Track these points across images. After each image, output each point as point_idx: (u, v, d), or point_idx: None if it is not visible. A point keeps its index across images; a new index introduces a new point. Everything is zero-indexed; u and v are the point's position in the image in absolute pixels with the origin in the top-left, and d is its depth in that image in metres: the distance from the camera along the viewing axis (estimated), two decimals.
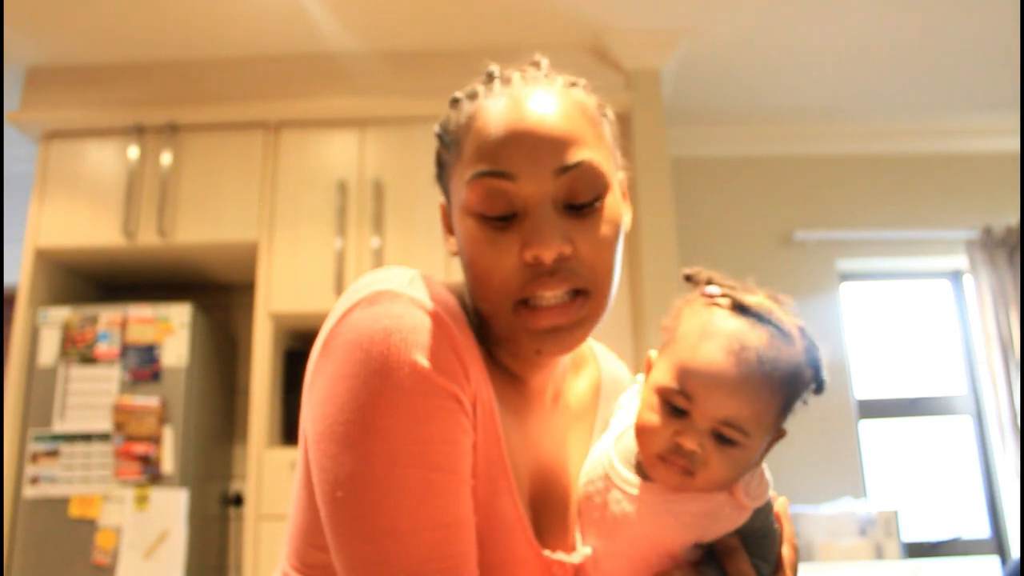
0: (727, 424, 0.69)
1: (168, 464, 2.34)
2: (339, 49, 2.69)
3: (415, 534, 0.61)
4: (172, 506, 2.31)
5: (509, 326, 0.71)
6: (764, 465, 0.76)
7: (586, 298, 0.70)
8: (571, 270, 0.69)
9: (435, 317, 0.66)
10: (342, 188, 2.60)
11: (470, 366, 0.67)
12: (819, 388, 0.74)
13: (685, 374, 0.70)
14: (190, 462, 2.40)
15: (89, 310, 2.47)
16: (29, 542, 2.28)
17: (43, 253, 2.60)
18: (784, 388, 0.70)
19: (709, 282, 0.77)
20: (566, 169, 0.69)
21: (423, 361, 0.63)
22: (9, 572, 2.26)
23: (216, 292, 2.95)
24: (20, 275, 2.56)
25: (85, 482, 2.33)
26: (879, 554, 2.52)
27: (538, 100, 0.72)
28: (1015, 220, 3.12)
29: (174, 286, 2.93)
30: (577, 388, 0.88)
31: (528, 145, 0.69)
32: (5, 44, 2.62)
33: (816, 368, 0.73)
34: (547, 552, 0.74)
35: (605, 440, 0.81)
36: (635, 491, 0.73)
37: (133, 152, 2.63)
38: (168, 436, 2.36)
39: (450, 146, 0.75)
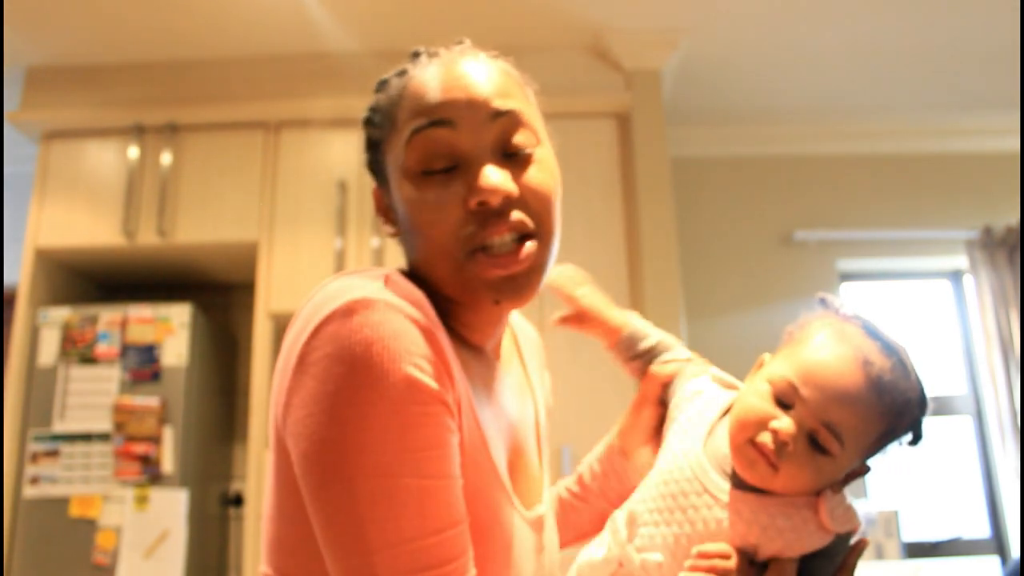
0: (828, 427, 0.70)
1: (168, 464, 2.34)
2: (339, 49, 2.69)
3: (413, 542, 0.61)
4: (172, 506, 2.31)
5: (463, 279, 0.71)
6: (850, 498, 0.76)
7: (534, 242, 0.71)
8: (518, 214, 0.70)
9: (415, 320, 0.64)
10: (342, 188, 2.60)
11: (452, 364, 0.66)
12: (916, 439, 0.75)
13: (805, 370, 0.72)
14: (190, 462, 2.40)
15: (89, 310, 2.47)
16: (29, 542, 2.28)
17: (43, 253, 2.60)
18: (889, 416, 0.71)
19: (841, 307, 0.79)
20: (501, 114, 0.72)
21: (409, 369, 0.62)
22: (9, 572, 2.26)
23: (216, 292, 2.95)
24: (20, 275, 2.56)
25: (85, 482, 2.33)
26: (879, 554, 2.52)
27: (469, 61, 0.75)
28: (1015, 220, 3.12)
29: (174, 286, 2.93)
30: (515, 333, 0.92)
31: (463, 94, 0.71)
32: (5, 44, 2.62)
33: (921, 413, 0.74)
34: (528, 512, 0.76)
35: (690, 438, 0.79)
36: (726, 498, 0.73)
37: (133, 152, 2.63)
38: (168, 436, 2.36)
39: (382, 123, 0.76)
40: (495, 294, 0.71)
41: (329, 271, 2.51)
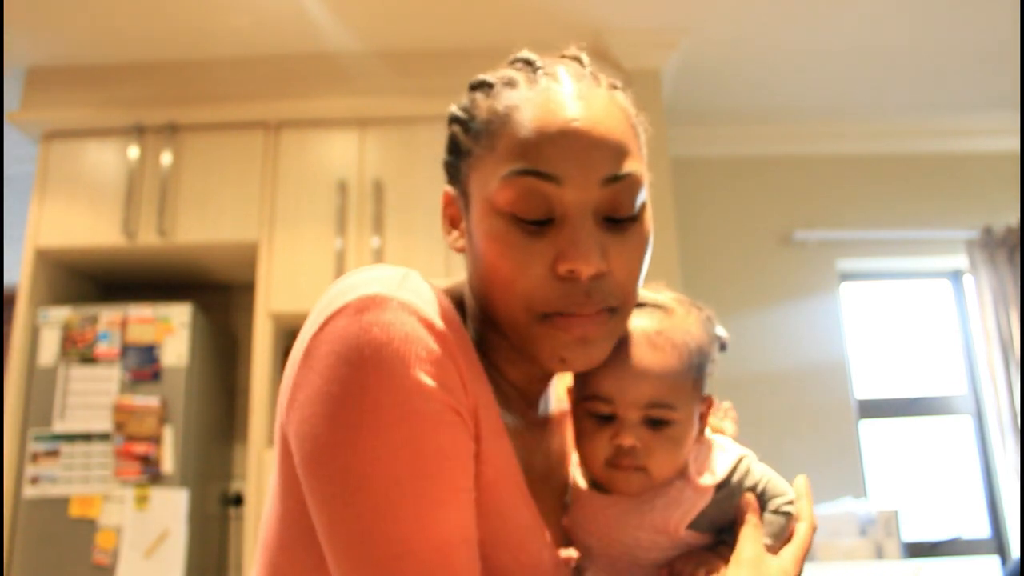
0: (653, 405, 0.70)
1: (168, 464, 2.34)
2: (339, 49, 2.69)
3: (415, 556, 0.58)
4: (172, 506, 2.31)
5: (531, 336, 0.67)
6: (720, 443, 0.76)
7: (612, 314, 0.67)
8: (604, 290, 0.65)
9: (428, 323, 0.61)
10: (342, 188, 2.60)
11: (467, 374, 0.63)
12: (722, 346, 0.77)
13: (594, 382, 0.71)
14: (190, 462, 2.40)
15: (89, 310, 2.47)
16: (29, 542, 2.28)
17: (43, 253, 2.60)
18: (686, 353, 0.72)
19: None
20: (614, 179, 0.65)
21: (417, 375, 0.59)
22: (9, 572, 2.26)
23: (216, 292, 2.95)
24: (20, 275, 2.56)
25: (85, 482, 2.33)
26: (879, 554, 2.52)
27: (590, 101, 0.66)
28: (1015, 220, 3.12)
29: (174, 286, 2.93)
30: (560, 389, 0.86)
31: (579, 148, 0.64)
32: (5, 44, 2.62)
33: (707, 326, 0.75)
34: (560, 551, 0.73)
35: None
36: (598, 504, 0.74)
37: (133, 152, 2.63)
38: (168, 436, 2.36)
39: (479, 135, 0.68)
40: (565, 352, 0.66)
41: (329, 271, 2.51)
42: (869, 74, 2.97)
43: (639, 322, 0.72)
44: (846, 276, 3.30)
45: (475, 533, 0.63)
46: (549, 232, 0.65)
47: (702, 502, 0.72)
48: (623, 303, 0.68)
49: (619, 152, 0.66)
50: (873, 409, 3.19)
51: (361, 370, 0.59)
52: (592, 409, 0.72)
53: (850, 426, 3.07)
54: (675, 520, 0.71)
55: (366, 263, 2.52)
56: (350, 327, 0.60)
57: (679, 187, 3.04)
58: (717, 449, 0.75)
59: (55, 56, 2.73)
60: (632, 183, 0.66)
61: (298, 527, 0.66)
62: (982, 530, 3.07)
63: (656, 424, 0.70)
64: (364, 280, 0.64)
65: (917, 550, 2.94)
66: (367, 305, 0.61)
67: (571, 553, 0.74)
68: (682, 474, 0.73)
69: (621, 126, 0.67)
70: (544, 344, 0.67)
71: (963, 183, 3.28)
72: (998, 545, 3.03)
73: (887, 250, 3.24)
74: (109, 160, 2.66)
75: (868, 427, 3.15)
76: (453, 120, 0.72)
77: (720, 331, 0.77)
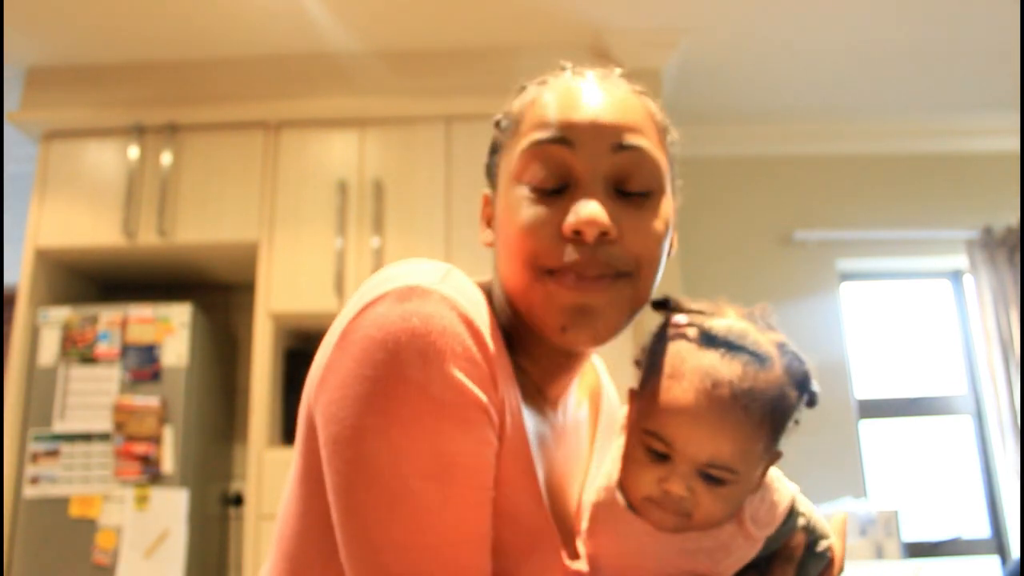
0: (712, 466, 0.64)
1: (168, 464, 2.34)
2: (339, 49, 2.69)
3: (429, 550, 0.58)
4: (172, 506, 2.31)
5: (534, 299, 0.67)
6: (775, 486, 0.71)
7: (629, 280, 0.67)
8: (612, 255, 0.66)
9: (467, 320, 0.62)
10: (342, 188, 2.60)
11: (499, 374, 0.63)
12: (811, 402, 0.70)
13: (659, 418, 0.65)
14: (190, 462, 2.40)
15: (89, 310, 2.47)
16: (29, 542, 2.28)
17: (43, 253, 2.60)
18: (768, 416, 0.65)
19: (675, 309, 0.71)
20: (624, 147, 0.68)
21: (451, 368, 0.59)
22: (9, 572, 2.26)
23: (216, 292, 2.95)
24: (20, 275, 2.56)
25: (85, 482, 2.33)
26: (879, 554, 2.52)
27: (609, 90, 0.72)
28: (1015, 220, 3.11)
29: (174, 286, 2.93)
30: (579, 394, 0.85)
31: (590, 117, 0.68)
32: (5, 44, 2.62)
33: (803, 384, 0.68)
34: (569, 562, 0.71)
35: (614, 455, 0.74)
36: (634, 528, 0.68)
37: (133, 152, 2.63)
38: (168, 436, 2.36)
39: (507, 127, 0.73)
40: (564, 319, 0.66)
41: (329, 271, 2.52)
42: (869, 74, 2.96)
43: (731, 369, 0.64)
44: (846, 276, 3.30)
45: (489, 533, 0.62)
46: (562, 198, 0.67)
47: (753, 551, 0.68)
48: (635, 270, 0.67)
49: (630, 125, 0.69)
50: (873, 409, 3.19)
51: (396, 357, 0.59)
52: (648, 442, 0.66)
53: (850, 426, 3.07)
54: (723, 568, 0.67)
55: (366, 263, 2.53)
56: (390, 314, 0.60)
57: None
58: (772, 492, 0.70)
59: (55, 56, 2.73)
60: (642, 157, 0.68)
61: (316, 514, 0.65)
62: (982, 530, 3.07)
63: (712, 480, 0.65)
64: (408, 271, 0.65)
65: (917, 550, 2.94)
66: (409, 295, 0.61)
67: (582, 566, 0.71)
68: (735, 518, 0.67)
69: (636, 109, 0.71)
70: (546, 307, 0.67)
71: (963, 183, 3.28)
72: (998, 545, 3.03)
73: (887, 250, 3.24)
74: (109, 160, 2.66)
75: (868, 427, 3.15)
76: (495, 124, 0.77)
77: (815, 386, 0.69)
